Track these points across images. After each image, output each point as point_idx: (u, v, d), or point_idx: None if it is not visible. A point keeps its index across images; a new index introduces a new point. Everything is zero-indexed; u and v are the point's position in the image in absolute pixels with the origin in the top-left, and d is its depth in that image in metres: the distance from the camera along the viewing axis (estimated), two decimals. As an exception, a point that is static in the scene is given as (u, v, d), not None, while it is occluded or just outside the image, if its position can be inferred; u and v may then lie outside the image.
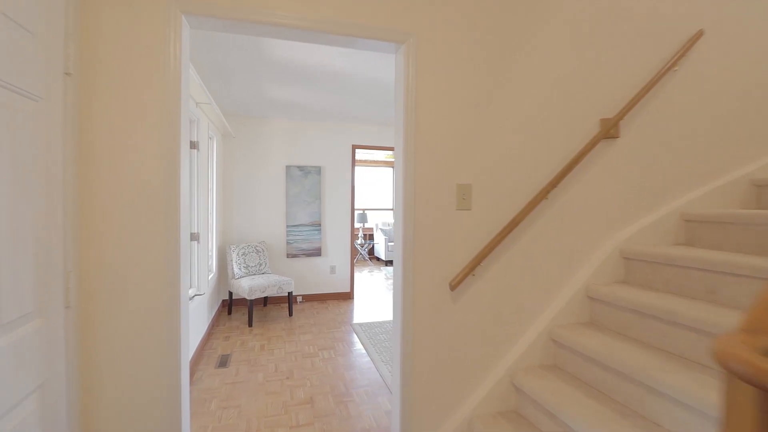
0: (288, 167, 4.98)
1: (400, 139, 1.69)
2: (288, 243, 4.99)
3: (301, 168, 5.03)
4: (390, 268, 7.63)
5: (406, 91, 1.65)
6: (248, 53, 2.77)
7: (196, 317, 3.22)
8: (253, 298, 4.00)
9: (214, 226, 4.18)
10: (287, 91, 3.66)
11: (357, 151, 6.95)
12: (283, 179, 4.99)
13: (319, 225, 5.11)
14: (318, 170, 5.09)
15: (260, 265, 4.54)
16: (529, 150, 1.83)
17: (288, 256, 5.00)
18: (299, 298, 5.07)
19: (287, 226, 4.99)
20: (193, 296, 3.08)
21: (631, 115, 2.03)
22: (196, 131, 3.33)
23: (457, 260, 1.71)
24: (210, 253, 4.14)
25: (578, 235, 1.93)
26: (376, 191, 9.31)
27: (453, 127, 1.70)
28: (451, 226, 1.70)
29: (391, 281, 6.48)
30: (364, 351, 3.46)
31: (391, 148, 5.45)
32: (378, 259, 8.81)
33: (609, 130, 1.92)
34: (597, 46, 1.94)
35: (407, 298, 1.66)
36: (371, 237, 9.11)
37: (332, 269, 5.22)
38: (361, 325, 4.16)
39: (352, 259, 5.32)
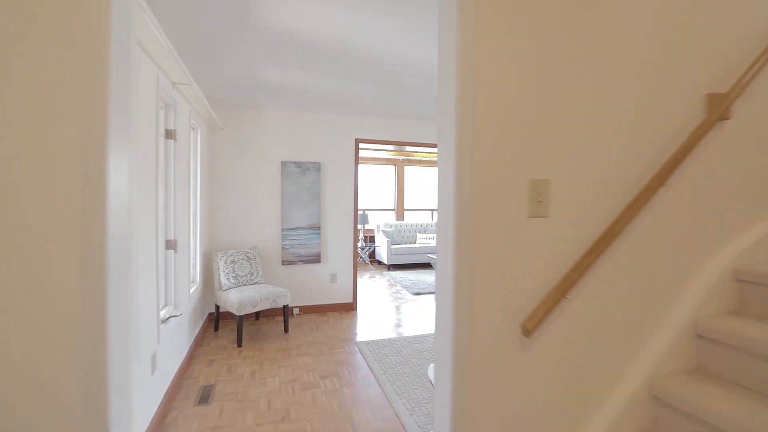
0: (284, 163, 4.43)
1: (450, 118, 1.17)
2: (283, 248, 4.45)
3: (298, 164, 4.48)
4: (394, 273, 7.10)
5: (459, 50, 1.12)
6: (235, 19, 2.23)
7: (172, 341, 2.68)
8: (242, 314, 3.46)
9: (198, 231, 3.63)
10: (282, 73, 3.12)
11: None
12: (278, 177, 4.45)
13: (319, 228, 4.57)
14: (317, 167, 4.55)
15: (251, 274, 3.99)
16: (624, 135, 1.31)
17: (283, 263, 4.45)
18: (296, 310, 4.52)
19: (282, 230, 4.44)
20: (168, 318, 2.54)
21: (747, 89, 1.52)
22: (173, 118, 2.78)
23: (529, 289, 1.19)
24: (193, 262, 3.59)
25: (682, 250, 1.41)
26: (376, 190, 8.78)
27: (524, 104, 1.18)
28: (521, 241, 1.18)
29: (396, 288, 5.95)
30: (372, 377, 2.94)
31: (396, 143, 4.92)
32: (379, 262, 8.28)
33: (723, 110, 1.41)
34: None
35: (461, 344, 1.13)
36: (372, 239, 8.59)
37: (333, 277, 4.68)
38: (367, 343, 3.63)
39: (355, 266, 4.79)
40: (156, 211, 2.31)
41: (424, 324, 4.24)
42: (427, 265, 8.03)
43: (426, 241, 8.08)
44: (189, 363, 3.13)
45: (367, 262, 8.05)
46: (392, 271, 7.45)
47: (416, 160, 8.96)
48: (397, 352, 3.44)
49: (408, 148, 8.33)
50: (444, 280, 1.19)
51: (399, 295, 5.54)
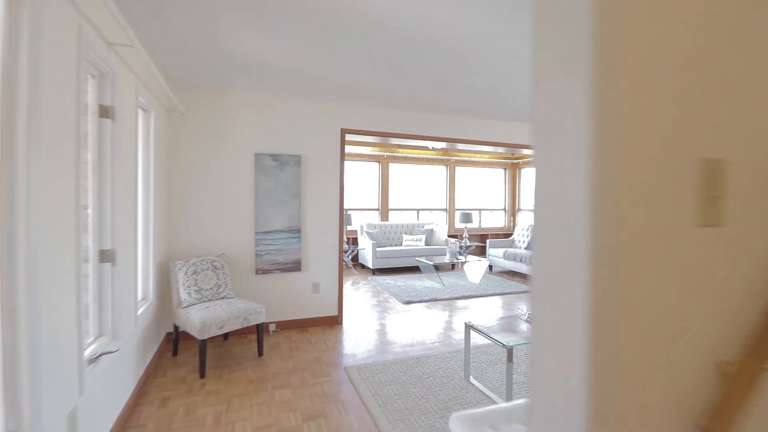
0: (258, 156, 3.81)
1: (577, 75, 0.64)
2: (257, 255, 3.82)
3: (275, 157, 3.87)
4: (379, 278, 6.55)
5: None
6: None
7: (107, 384, 2.04)
8: (206, 337, 2.83)
9: (150, 236, 2.97)
10: (257, 41, 2.52)
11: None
12: (252, 172, 3.82)
13: (299, 231, 3.97)
14: (297, 160, 3.95)
15: (218, 287, 3.35)
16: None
17: (257, 272, 3.83)
18: (272, 327, 3.90)
19: (257, 234, 3.81)
20: (99, 356, 1.90)
21: None
22: (111, 91, 2.13)
23: (698, 352, 0.68)
24: (144, 275, 2.92)
25: None
26: (359, 189, 8.22)
27: (694, 42, 0.66)
28: (683, 268, 0.66)
29: (383, 296, 5.41)
30: (369, 417, 2.39)
31: (390, 135, 4.38)
32: (363, 266, 7.71)
33: None
34: None
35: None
36: (355, 241, 8.01)
37: (315, 287, 4.09)
38: (357, 368, 3.07)
39: (341, 273, 4.22)
40: (77, 212, 1.67)
41: (420, 338, 3.73)
42: (414, 269, 7.53)
43: (413, 243, 7.58)
44: (136, 403, 2.48)
45: (350, 266, 7.48)
46: (377, 275, 6.90)
47: (401, 157, 8.46)
48: (394, 379, 2.90)
49: (394, 141, 7.82)
50: (560, 336, 0.66)
51: (388, 305, 5.00)
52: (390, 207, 8.49)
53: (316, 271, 4.09)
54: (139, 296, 2.81)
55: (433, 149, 8.16)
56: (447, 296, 5.40)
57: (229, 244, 3.74)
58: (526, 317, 3.07)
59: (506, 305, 5.03)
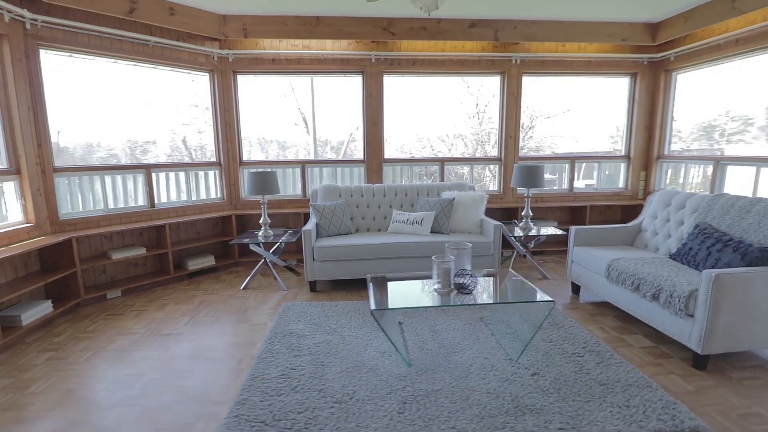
0: None
1: None
2: None
3: None
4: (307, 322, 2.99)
5: None
6: None
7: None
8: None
9: None
10: None
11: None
12: None
13: None
14: None
15: None
16: None
17: None
18: None
19: None
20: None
21: None
22: None
23: None
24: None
25: None
26: (329, 118, 4.57)
27: None
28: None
29: None
30: None
31: None
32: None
33: None
34: None
35: None
36: (302, 220, 4.46)
37: None
38: None
39: None
40: None
41: None
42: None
43: (406, 227, 3.72)
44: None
45: (276, 278, 3.99)
46: (320, 296, 3.34)
47: (406, 60, 4.40)
48: None
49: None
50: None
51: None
52: (387, 157, 4.64)
53: None
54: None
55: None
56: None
57: None
58: None
59: None
